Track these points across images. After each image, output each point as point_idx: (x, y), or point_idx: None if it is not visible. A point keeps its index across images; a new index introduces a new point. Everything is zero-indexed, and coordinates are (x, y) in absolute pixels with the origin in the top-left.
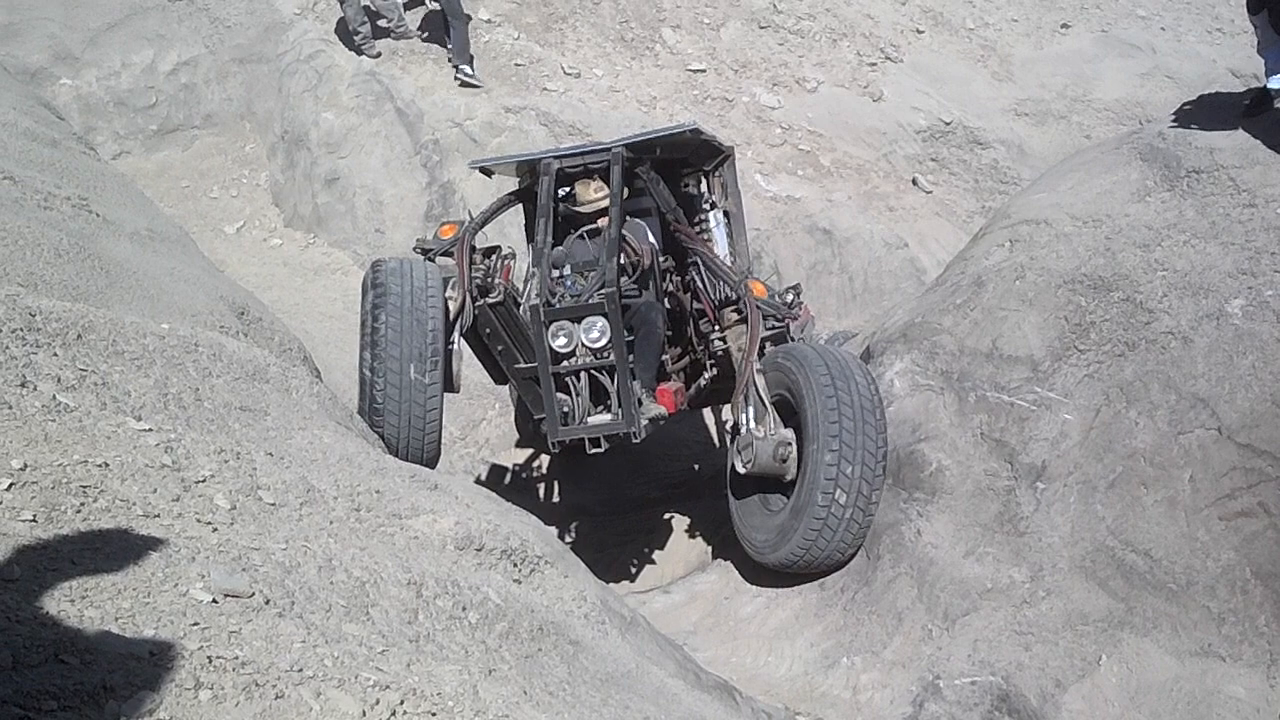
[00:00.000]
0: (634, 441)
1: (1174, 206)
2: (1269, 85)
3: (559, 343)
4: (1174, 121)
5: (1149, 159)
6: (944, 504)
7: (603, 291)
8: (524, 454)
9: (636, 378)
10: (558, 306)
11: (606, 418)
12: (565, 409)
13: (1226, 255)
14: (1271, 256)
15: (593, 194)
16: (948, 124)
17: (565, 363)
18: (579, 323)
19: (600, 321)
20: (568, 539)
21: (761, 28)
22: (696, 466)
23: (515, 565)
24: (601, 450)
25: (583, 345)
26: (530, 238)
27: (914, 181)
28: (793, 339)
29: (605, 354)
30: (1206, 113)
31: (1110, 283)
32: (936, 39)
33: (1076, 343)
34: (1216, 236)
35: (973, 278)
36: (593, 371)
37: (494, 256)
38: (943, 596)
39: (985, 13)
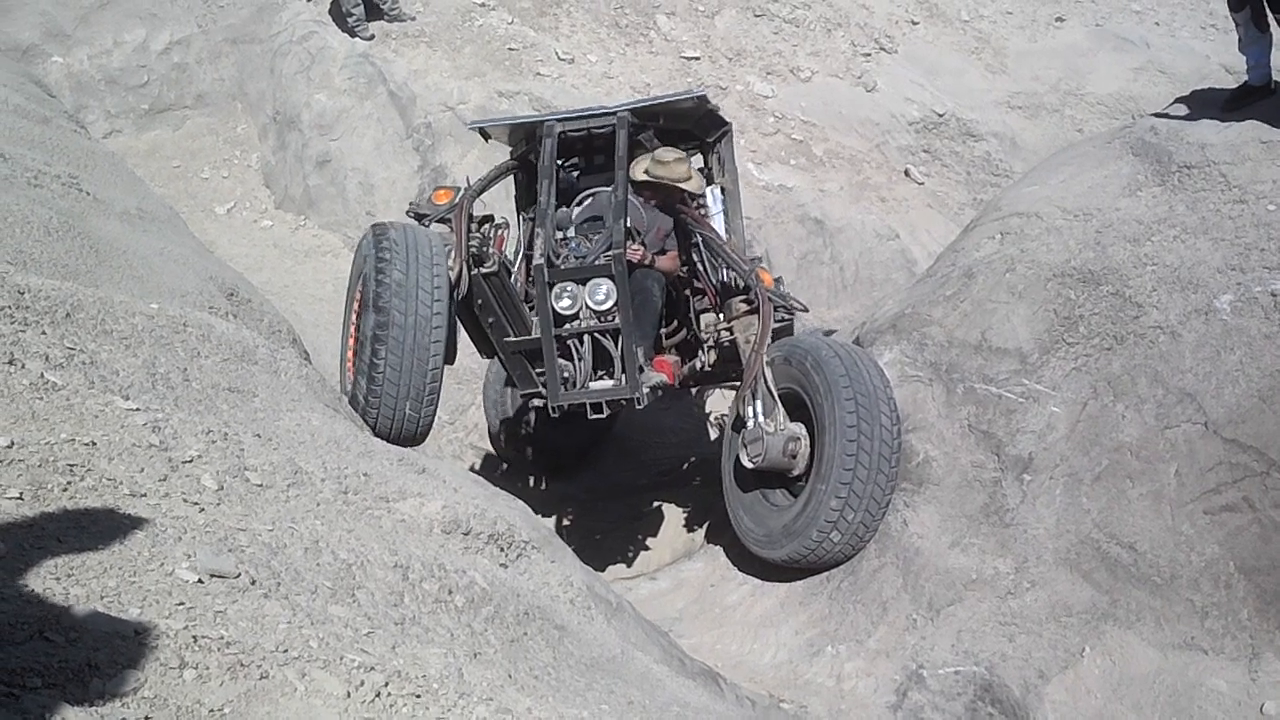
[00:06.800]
0: (637, 407)
1: (1164, 201)
2: (1250, 81)
3: (563, 304)
4: (1166, 116)
5: (1140, 154)
6: (930, 494)
7: (609, 253)
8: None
9: (638, 345)
10: (562, 267)
11: (608, 383)
12: (566, 374)
13: (1216, 251)
14: (1261, 253)
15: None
16: (941, 115)
17: (568, 325)
18: (584, 284)
19: (606, 284)
20: (562, 523)
21: (756, 16)
22: (684, 454)
23: (502, 550)
24: (603, 416)
25: (587, 308)
26: (520, 208)
27: (906, 173)
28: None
29: (610, 317)
30: (1199, 108)
31: (1100, 276)
32: (931, 30)
33: (1065, 336)
34: (1206, 232)
35: (963, 269)
36: (596, 335)
37: (488, 226)
38: (928, 586)
39: (980, 5)
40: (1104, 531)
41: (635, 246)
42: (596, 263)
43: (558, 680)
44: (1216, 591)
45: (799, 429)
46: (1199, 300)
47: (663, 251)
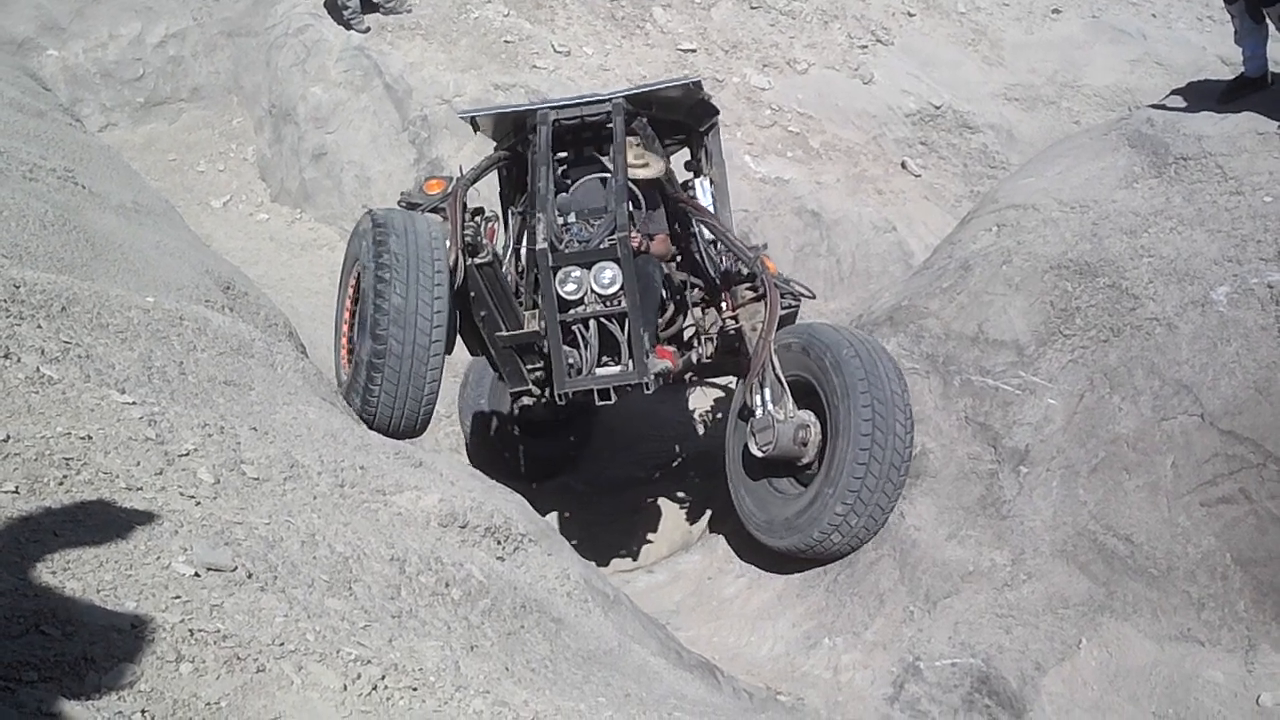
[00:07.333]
0: (645, 393)
1: (1161, 193)
2: (1247, 73)
3: (568, 289)
4: (1163, 108)
5: (1137, 145)
6: (927, 487)
7: (614, 236)
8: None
9: (644, 329)
10: (566, 251)
11: (615, 369)
12: (571, 361)
13: (1212, 242)
14: (1257, 244)
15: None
16: (937, 108)
17: (573, 310)
18: (589, 269)
19: (611, 267)
20: (561, 516)
21: (753, 8)
22: (679, 447)
23: (499, 543)
24: (611, 402)
25: (592, 291)
26: (506, 203)
27: (903, 165)
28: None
29: (616, 301)
30: (1195, 100)
31: (1096, 268)
32: (927, 22)
33: (1062, 328)
34: (1203, 223)
35: (960, 262)
36: (601, 320)
37: (479, 217)
38: (924, 579)
39: None
40: (1100, 523)
41: (633, 233)
42: (601, 246)
43: (555, 673)
44: (1213, 583)
45: (808, 416)
46: (1195, 292)
47: (651, 237)
